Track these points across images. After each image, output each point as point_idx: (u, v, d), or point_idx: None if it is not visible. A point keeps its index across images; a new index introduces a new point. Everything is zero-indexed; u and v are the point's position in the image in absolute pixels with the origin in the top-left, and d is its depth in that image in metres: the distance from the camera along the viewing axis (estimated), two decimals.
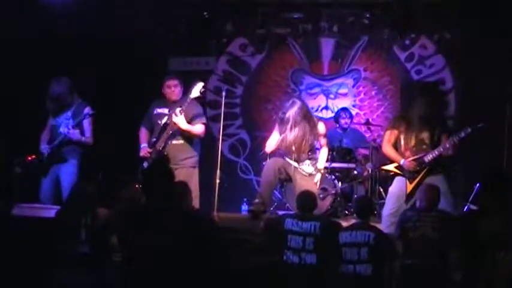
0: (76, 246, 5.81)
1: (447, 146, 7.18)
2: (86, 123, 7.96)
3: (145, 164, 7.85)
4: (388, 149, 7.50)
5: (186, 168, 7.87)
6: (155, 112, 8.09)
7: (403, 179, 7.36)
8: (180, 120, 7.73)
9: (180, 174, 7.33)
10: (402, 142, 7.41)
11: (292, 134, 7.75)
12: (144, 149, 7.95)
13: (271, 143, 8.01)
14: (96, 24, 9.30)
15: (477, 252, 5.57)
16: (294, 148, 7.78)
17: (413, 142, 7.35)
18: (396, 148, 7.44)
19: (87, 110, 7.86)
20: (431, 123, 7.35)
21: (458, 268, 5.93)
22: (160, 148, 7.82)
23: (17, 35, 8.94)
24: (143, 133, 8.16)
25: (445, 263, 5.95)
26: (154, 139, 7.93)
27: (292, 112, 7.75)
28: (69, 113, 7.97)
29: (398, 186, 7.39)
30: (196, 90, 7.82)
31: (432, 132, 7.32)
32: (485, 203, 5.85)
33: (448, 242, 5.98)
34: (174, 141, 7.89)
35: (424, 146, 7.30)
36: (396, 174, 7.45)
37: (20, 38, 8.99)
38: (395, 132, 7.46)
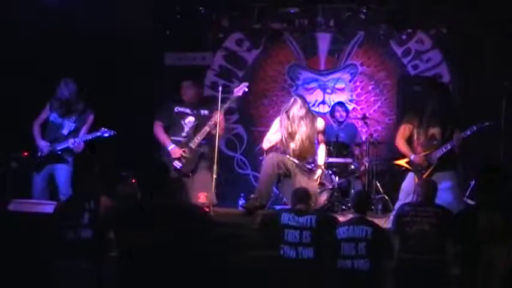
0: (79, 231, 5.75)
1: (455, 143, 7.20)
2: (84, 130, 8.01)
3: (177, 164, 8.03)
4: (400, 144, 7.56)
5: (208, 167, 8.05)
6: (176, 110, 8.27)
7: (413, 174, 7.38)
8: (223, 119, 8.10)
9: (202, 173, 8.01)
10: (415, 137, 7.45)
11: (296, 131, 7.78)
12: (176, 150, 8.07)
13: (271, 139, 8.01)
14: (92, 20, 9.27)
15: (475, 246, 5.57)
16: (297, 145, 7.80)
17: (424, 137, 7.38)
18: (410, 143, 7.46)
19: (105, 130, 7.91)
20: (444, 119, 7.37)
21: (456, 263, 5.94)
22: (196, 147, 8.05)
23: (16, 34, 8.94)
24: (161, 129, 8.27)
25: (442, 258, 5.95)
26: (179, 138, 8.14)
27: (295, 109, 7.80)
28: (73, 118, 8.01)
29: (408, 182, 7.43)
30: (240, 90, 8.16)
31: (444, 128, 7.35)
32: (483, 198, 5.84)
33: (446, 237, 5.98)
34: (204, 141, 8.14)
35: (435, 142, 7.32)
36: (407, 170, 7.47)
37: (18, 37, 8.99)
38: (410, 126, 7.50)
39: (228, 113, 10.48)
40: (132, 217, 5.11)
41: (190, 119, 8.18)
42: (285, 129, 7.85)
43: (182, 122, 8.19)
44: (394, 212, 7.33)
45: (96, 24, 9.31)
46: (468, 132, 7.19)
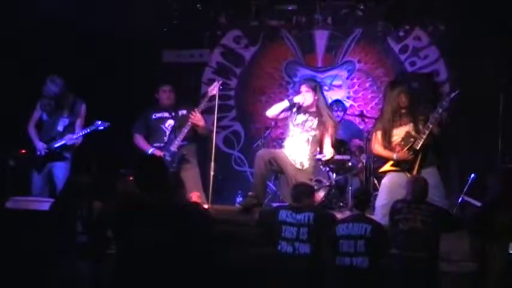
0: (74, 237, 5.81)
1: (430, 126, 7.16)
2: (80, 123, 8.03)
3: None
4: (378, 149, 7.53)
5: (195, 167, 8.09)
6: (154, 117, 8.25)
7: (396, 173, 7.34)
8: (200, 118, 7.99)
9: (190, 173, 7.89)
10: (390, 140, 7.42)
11: (297, 136, 7.82)
12: (156, 152, 8.03)
13: (276, 108, 7.99)
14: (90, 18, 9.27)
15: (491, 243, 5.63)
16: (294, 145, 7.83)
17: (400, 137, 7.37)
18: (386, 147, 7.44)
19: (100, 123, 7.94)
20: (411, 114, 7.36)
21: (471, 259, 5.99)
22: (176, 149, 7.98)
23: (15, 32, 8.96)
24: (141, 139, 8.24)
25: (431, 256, 5.98)
26: (161, 144, 8.10)
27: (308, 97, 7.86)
28: (65, 112, 8.00)
29: (390, 180, 7.37)
30: (214, 88, 8.10)
31: (415, 122, 7.32)
32: (506, 195, 5.89)
33: (437, 235, 6.03)
34: (184, 142, 8.06)
35: (412, 139, 7.29)
36: (395, 172, 7.42)
37: (17, 33, 9.00)
38: (381, 132, 7.47)
39: (225, 110, 10.54)
40: (131, 215, 5.10)
41: (170, 122, 8.17)
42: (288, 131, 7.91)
43: (163, 127, 8.18)
44: (375, 212, 7.34)
45: (95, 22, 9.30)
46: (440, 110, 7.17)
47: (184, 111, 8.15)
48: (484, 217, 5.85)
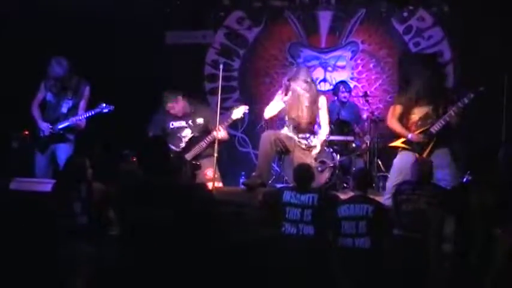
0: (73, 218, 5.83)
1: (452, 114, 7.11)
2: (83, 104, 8.03)
3: None
4: (394, 124, 7.42)
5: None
6: (171, 126, 8.27)
7: (408, 152, 7.30)
8: (224, 135, 8.07)
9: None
10: (408, 117, 7.35)
11: (298, 100, 7.76)
12: None
13: (272, 109, 7.97)
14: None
15: (468, 224, 5.60)
16: (297, 115, 7.78)
17: (418, 116, 7.29)
18: (402, 123, 7.39)
19: (104, 106, 7.95)
20: (435, 96, 7.30)
21: (449, 240, 5.96)
22: (190, 159, 8.07)
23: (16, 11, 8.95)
24: None
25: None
26: (178, 149, 8.12)
27: (300, 78, 7.78)
28: (69, 94, 8.01)
29: (401, 159, 7.30)
30: (239, 112, 8.06)
31: (437, 104, 7.26)
32: (475, 177, 5.88)
33: (442, 216, 6.00)
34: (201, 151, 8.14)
35: (430, 120, 7.24)
36: (404, 150, 7.38)
37: (19, 15, 8.99)
38: (400, 107, 7.39)
39: (229, 91, 10.53)
40: (134, 195, 5.11)
41: (187, 132, 8.23)
42: (288, 97, 7.83)
43: (179, 136, 8.23)
44: (386, 192, 7.33)
45: (97, 2, 9.28)
46: (466, 101, 7.11)
47: (201, 120, 8.22)
48: (456, 198, 5.85)
